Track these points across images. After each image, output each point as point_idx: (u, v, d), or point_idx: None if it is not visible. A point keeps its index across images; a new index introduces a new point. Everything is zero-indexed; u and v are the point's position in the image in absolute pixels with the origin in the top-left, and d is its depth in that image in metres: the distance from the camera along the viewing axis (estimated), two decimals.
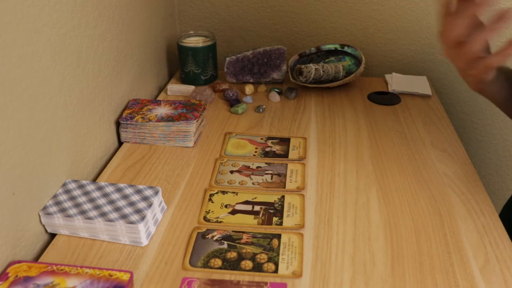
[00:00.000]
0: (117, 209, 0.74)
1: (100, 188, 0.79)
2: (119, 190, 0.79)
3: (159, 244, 0.72)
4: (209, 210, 0.79)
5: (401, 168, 0.91)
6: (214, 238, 0.73)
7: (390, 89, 1.24)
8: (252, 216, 0.78)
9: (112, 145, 0.99)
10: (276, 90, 1.22)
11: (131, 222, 0.71)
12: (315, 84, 1.23)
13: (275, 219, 0.77)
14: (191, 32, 1.28)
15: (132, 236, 0.72)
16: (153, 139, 0.98)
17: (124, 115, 0.99)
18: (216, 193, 0.83)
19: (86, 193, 0.78)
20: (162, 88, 1.30)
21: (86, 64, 0.87)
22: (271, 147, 0.98)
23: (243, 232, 0.74)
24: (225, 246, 0.71)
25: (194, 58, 1.23)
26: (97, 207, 0.75)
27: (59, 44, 0.77)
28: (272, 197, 0.82)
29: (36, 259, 0.72)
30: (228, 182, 0.86)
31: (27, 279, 0.63)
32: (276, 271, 0.67)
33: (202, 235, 0.74)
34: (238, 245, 0.72)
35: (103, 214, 0.73)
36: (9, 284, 0.62)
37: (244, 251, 0.71)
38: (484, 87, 0.80)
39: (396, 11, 1.33)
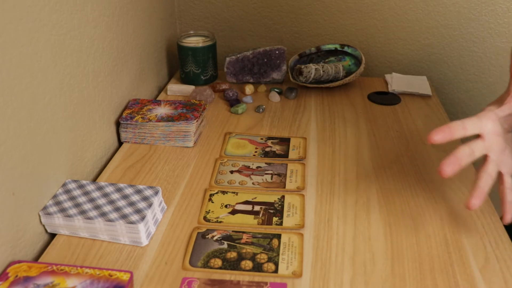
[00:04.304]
0: (117, 209, 0.74)
1: (100, 188, 0.79)
2: (119, 190, 0.79)
3: (159, 244, 0.72)
4: (209, 210, 0.79)
5: (401, 168, 0.91)
6: (214, 238, 0.73)
7: (390, 89, 1.24)
8: (252, 216, 0.78)
9: (112, 145, 0.99)
10: (276, 90, 1.22)
11: (131, 222, 0.71)
12: (315, 84, 1.23)
13: (275, 219, 0.77)
14: (191, 32, 1.28)
15: (132, 236, 0.72)
16: (153, 139, 0.98)
17: (124, 115, 0.99)
18: (216, 193, 0.83)
19: (86, 193, 0.78)
20: (162, 88, 1.30)
21: (86, 64, 0.87)
22: (271, 147, 0.98)
23: (243, 232, 0.74)
24: (225, 246, 0.71)
25: (194, 58, 1.23)
26: (97, 207, 0.75)
27: (59, 44, 0.77)
28: (272, 197, 0.82)
29: (36, 259, 0.72)
30: (228, 182, 0.86)
31: (27, 279, 0.63)
32: (276, 271, 0.67)
33: (202, 235, 0.74)
34: (238, 245, 0.72)
35: (103, 214, 0.73)
36: (9, 284, 0.62)
37: (244, 251, 0.71)
38: None
39: (396, 11, 1.33)
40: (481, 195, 0.69)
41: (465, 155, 0.68)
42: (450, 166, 0.68)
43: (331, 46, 1.29)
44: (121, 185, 0.80)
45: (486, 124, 0.70)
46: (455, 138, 0.69)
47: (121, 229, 0.71)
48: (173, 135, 0.97)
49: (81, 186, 0.80)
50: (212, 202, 0.81)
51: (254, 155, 0.95)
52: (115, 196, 0.77)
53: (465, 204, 0.69)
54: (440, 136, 0.68)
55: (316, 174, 0.90)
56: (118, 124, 1.01)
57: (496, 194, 1.59)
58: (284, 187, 0.85)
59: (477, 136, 0.70)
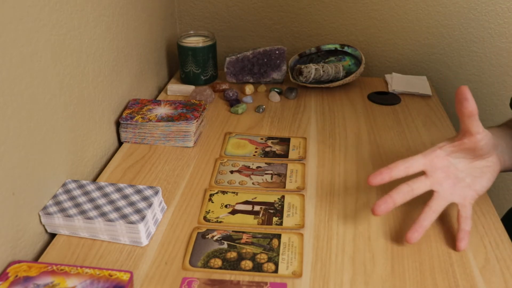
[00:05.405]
0: (117, 209, 0.74)
1: (100, 188, 0.79)
2: (119, 190, 0.79)
3: (159, 244, 0.72)
4: (209, 210, 0.79)
5: None
6: (214, 238, 0.73)
7: (390, 89, 1.24)
8: (252, 216, 0.78)
9: (112, 145, 0.99)
10: (276, 90, 1.22)
11: (131, 222, 0.71)
12: (315, 84, 1.23)
13: (275, 219, 0.77)
14: (191, 32, 1.28)
15: (132, 236, 0.72)
16: (153, 139, 0.98)
17: (124, 115, 0.99)
18: (216, 193, 0.83)
19: (86, 193, 0.78)
20: (162, 88, 1.30)
21: (86, 64, 0.87)
22: (271, 147, 0.98)
23: (243, 232, 0.74)
24: (225, 246, 0.71)
25: (194, 58, 1.23)
26: (97, 207, 0.75)
27: (59, 44, 0.77)
28: (272, 197, 0.82)
29: (36, 259, 0.72)
30: (228, 182, 0.86)
31: (27, 279, 0.63)
32: (276, 271, 0.67)
33: (202, 235, 0.74)
34: (238, 245, 0.72)
35: (103, 214, 0.73)
36: (9, 284, 0.62)
37: (244, 251, 0.71)
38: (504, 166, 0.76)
39: (396, 11, 1.33)
40: (420, 229, 0.70)
41: (401, 194, 0.69)
42: (383, 206, 0.69)
43: (331, 46, 1.29)
44: (121, 185, 0.80)
45: (431, 161, 0.71)
46: (395, 178, 0.70)
47: (121, 229, 0.71)
48: (173, 135, 0.97)
49: (81, 186, 0.80)
50: (212, 202, 0.81)
51: (254, 155, 0.95)
52: (115, 196, 0.77)
53: (405, 238, 0.70)
54: (378, 179, 0.69)
55: (316, 174, 0.90)
56: (118, 124, 1.01)
57: (496, 194, 1.60)
58: (284, 187, 0.85)
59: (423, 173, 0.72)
